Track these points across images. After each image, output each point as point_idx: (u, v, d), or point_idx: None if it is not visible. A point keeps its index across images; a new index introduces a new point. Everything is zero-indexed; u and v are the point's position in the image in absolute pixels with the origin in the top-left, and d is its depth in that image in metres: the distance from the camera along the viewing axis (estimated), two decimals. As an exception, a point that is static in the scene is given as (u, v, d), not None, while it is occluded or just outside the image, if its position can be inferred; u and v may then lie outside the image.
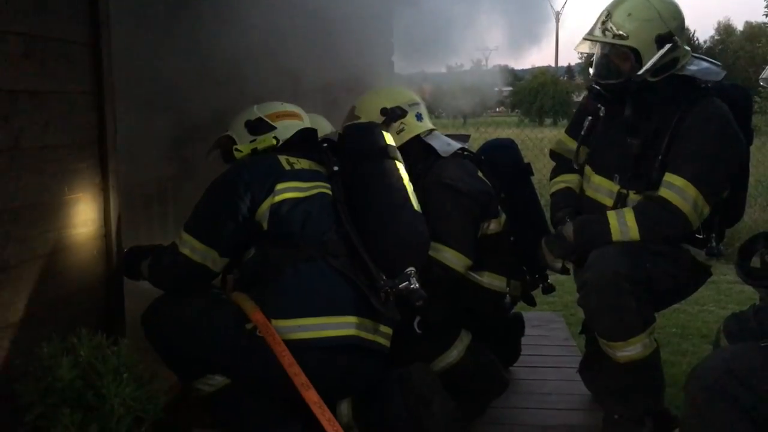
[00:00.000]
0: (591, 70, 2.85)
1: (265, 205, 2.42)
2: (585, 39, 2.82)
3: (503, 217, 3.04)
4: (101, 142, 2.34)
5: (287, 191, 2.45)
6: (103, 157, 2.35)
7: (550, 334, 4.15)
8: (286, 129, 2.69)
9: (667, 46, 2.65)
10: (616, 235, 2.64)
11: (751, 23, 41.74)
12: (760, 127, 14.40)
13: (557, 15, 50.91)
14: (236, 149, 2.67)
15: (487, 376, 3.00)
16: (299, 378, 2.19)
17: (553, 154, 3.21)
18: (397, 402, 2.46)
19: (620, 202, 2.77)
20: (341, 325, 2.34)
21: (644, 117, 2.72)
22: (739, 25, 45.34)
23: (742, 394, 1.79)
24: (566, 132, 3.16)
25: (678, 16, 2.72)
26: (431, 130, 3.10)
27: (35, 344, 1.87)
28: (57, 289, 2.14)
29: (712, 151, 2.61)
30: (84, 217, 2.27)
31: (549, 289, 3.31)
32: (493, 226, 2.98)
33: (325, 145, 2.67)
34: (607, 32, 2.71)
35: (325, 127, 3.13)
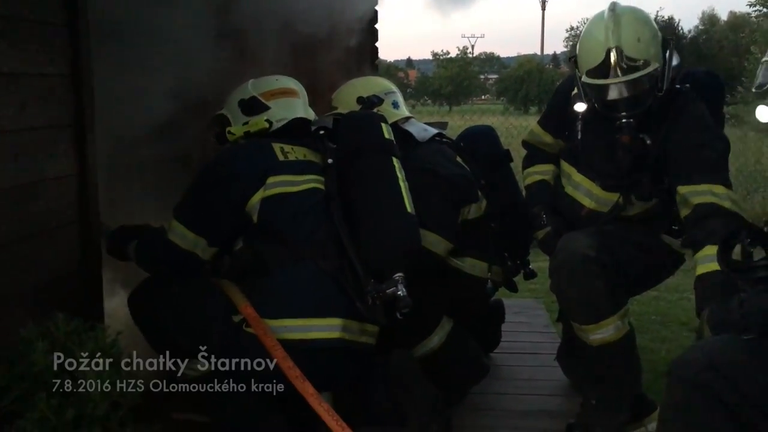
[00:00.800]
0: (600, 101, 2.68)
1: (256, 198, 2.37)
2: (616, 83, 2.59)
3: (484, 202, 3.05)
4: (79, 125, 2.31)
5: (279, 185, 2.40)
6: (81, 139, 2.32)
7: (530, 321, 4.20)
8: (280, 108, 2.63)
9: (671, 46, 2.65)
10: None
11: (735, 13, 42.04)
12: (742, 117, 14.51)
13: (543, 3, 50.97)
14: (229, 132, 2.62)
15: (468, 362, 3.03)
16: (294, 371, 2.17)
17: (526, 144, 3.21)
18: (378, 389, 2.47)
19: (597, 202, 2.83)
20: (326, 328, 2.31)
21: (650, 121, 2.68)
22: (723, 15, 45.61)
23: (724, 390, 1.76)
24: (539, 124, 3.13)
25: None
26: (408, 118, 3.11)
27: (11, 329, 1.85)
28: (34, 273, 2.12)
29: (720, 152, 2.62)
30: (62, 200, 2.25)
31: (531, 275, 3.34)
32: (474, 212, 3.00)
33: (322, 132, 2.60)
34: (632, 68, 2.58)
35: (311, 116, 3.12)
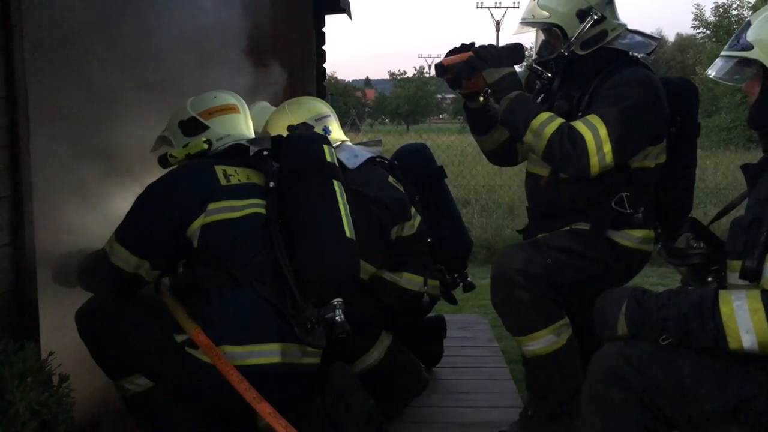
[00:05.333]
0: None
1: (196, 225, 2.37)
2: (519, 23, 2.94)
3: (418, 218, 3.11)
4: (13, 148, 2.31)
5: (219, 212, 2.39)
6: (15, 162, 2.32)
7: (473, 336, 4.27)
8: (219, 127, 2.61)
9: (588, 19, 2.75)
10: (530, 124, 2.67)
11: (682, 35, 43.37)
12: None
13: (497, 24, 51.83)
14: (171, 156, 2.60)
15: (407, 376, 3.08)
16: (250, 393, 2.20)
17: None
18: (316, 402, 2.51)
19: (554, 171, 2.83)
20: (265, 353, 2.33)
21: (573, 86, 2.83)
22: (671, 37, 46.97)
23: (633, 379, 1.87)
24: None
25: None
26: (341, 142, 3.13)
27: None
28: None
29: (627, 102, 2.65)
30: (-6, 222, 2.25)
31: (469, 287, 3.42)
32: (407, 229, 3.05)
33: (266, 152, 2.56)
34: (533, 14, 2.85)
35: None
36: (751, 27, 2.00)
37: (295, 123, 2.98)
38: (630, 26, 2.90)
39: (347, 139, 3.22)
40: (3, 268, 2.28)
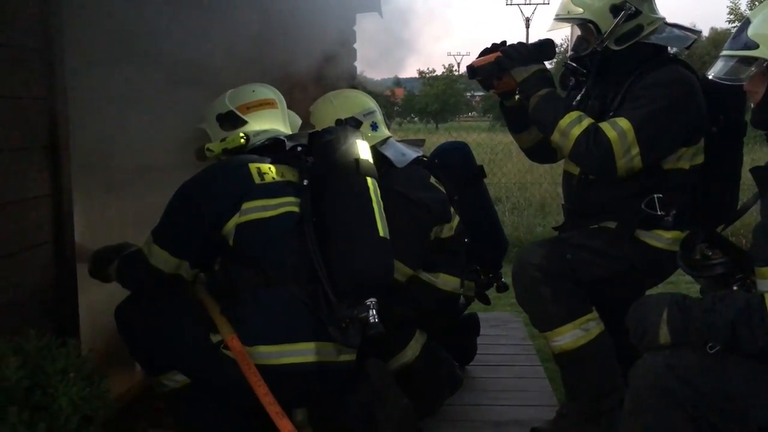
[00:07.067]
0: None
1: (231, 224, 2.38)
2: (553, 20, 2.90)
3: (456, 219, 3.08)
4: (53, 147, 2.35)
5: (254, 211, 2.39)
6: (56, 160, 2.36)
7: (507, 334, 4.24)
8: (257, 122, 2.61)
9: (622, 13, 2.70)
10: (558, 123, 2.66)
11: (716, 29, 42.53)
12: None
13: (527, 21, 51.45)
14: (208, 149, 2.61)
15: (441, 375, 3.07)
16: (273, 408, 2.21)
17: None
18: (351, 398, 2.51)
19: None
20: (300, 352, 2.33)
21: (608, 83, 2.79)
22: (705, 31, 46.13)
23: (680, 390, 1.81)
24: None
25: None
26: (386, 139, 3.10)
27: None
28: (7, 293, 2.15)
29: (659, 103, 2.62)
30: (35, 220, 2.29)
31: (503, 288, 3.39)
32: (446, 230, 3.03)
33: (300, 149, 2.54)
34: (567, 10, 2.81)
35: (295, 123, 3.14)
36: (752, 24, 1.94)
37: (343, 117, 2.97)
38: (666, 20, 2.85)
39: (392, 135, 3.17)
40: (44, 265, 2.32)
